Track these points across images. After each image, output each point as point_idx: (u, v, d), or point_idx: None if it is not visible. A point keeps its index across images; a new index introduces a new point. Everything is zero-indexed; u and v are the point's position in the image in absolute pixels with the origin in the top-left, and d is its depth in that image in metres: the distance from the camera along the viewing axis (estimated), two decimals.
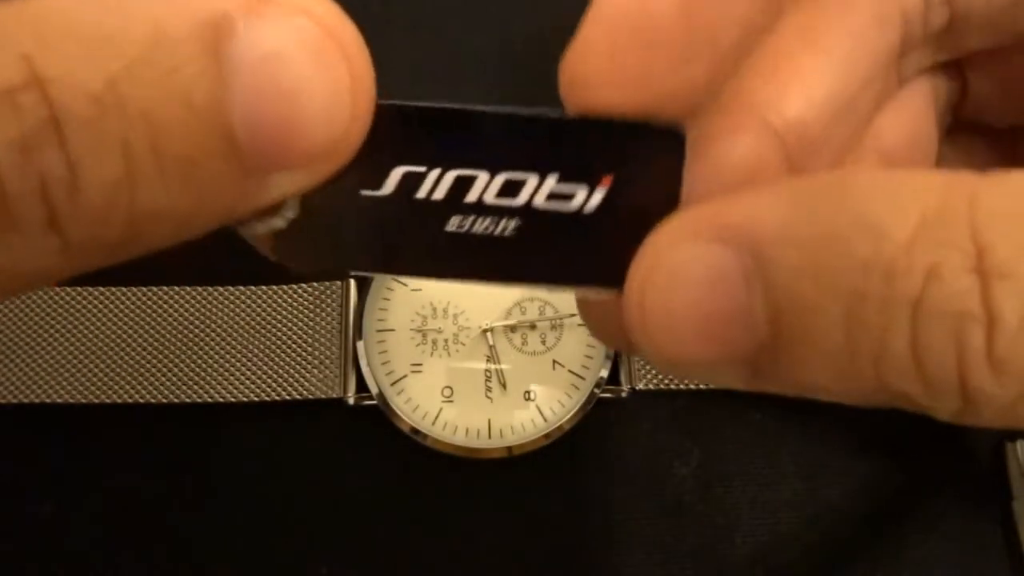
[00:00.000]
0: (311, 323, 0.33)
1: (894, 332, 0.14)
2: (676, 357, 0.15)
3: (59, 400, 0.31)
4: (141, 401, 0.32)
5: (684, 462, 0.32)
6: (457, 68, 0.35)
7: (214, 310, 0.33)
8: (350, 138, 0.15)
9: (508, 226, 0.16)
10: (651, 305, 0.15)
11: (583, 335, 0.33)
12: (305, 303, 0.33)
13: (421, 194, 0.16)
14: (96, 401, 0.31)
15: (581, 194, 0.16)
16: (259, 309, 0.33)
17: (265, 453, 0.32)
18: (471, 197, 0.16)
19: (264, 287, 0.33)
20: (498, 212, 0.16)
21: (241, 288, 0.33)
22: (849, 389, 0.15)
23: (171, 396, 0.32)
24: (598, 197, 0.16)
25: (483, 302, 0.33)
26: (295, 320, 0.33)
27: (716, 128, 0.18)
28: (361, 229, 0.16)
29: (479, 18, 0.36)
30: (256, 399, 0.32)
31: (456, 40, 0.36)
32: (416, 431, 0.31)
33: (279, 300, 0.33)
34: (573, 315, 0.33)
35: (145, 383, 0.32)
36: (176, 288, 0.33)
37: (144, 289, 0.33)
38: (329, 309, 0.33)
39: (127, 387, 0.32)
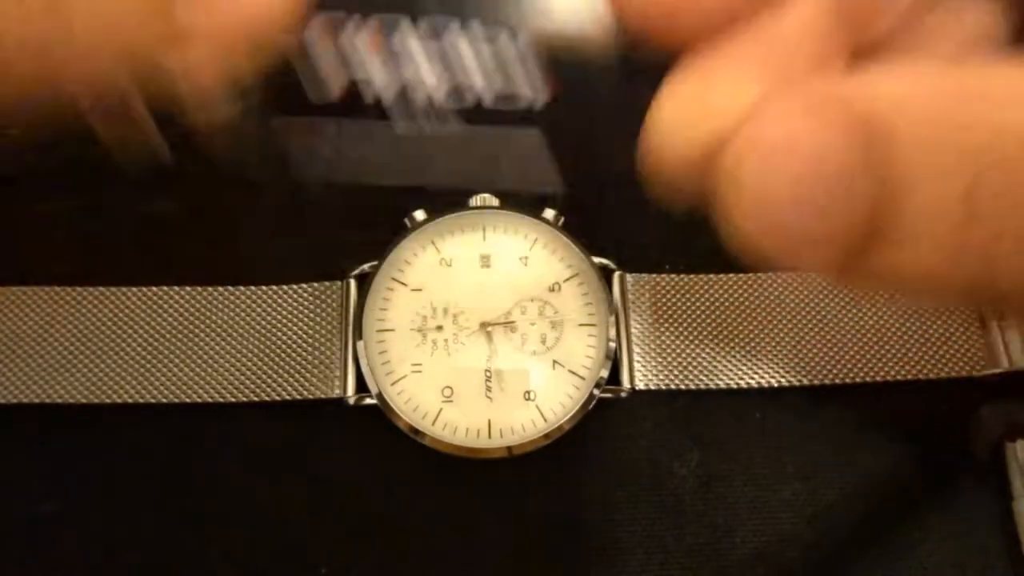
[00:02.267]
0: (311, 323, 0.33)
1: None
2: (770, 230, 0.15)
3: (59, 400, 0.31)
4: (141, 401, 0.32)
5: (684, 462, 0.32)
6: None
7: (214, 310, 0.33)
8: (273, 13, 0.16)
9: None
10: (748, 177, 0.15)
11: (583, 335, 0.33)
12: (305, 303, 0.33)
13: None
14: (96, 401, 0.31)
15: None
16: (259, 309, 0.33)
17: (265, 453, 0.32)
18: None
19: (264, 287, 0.33)
20: None
21: (241, 288, 0.33)
22: (952, 278, 0.14)
23: (171, 396, 0.32)
24: None
25: (483, 302, 0.33)
26: (295, 320, 0.33)
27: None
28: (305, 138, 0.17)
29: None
30: (256, 399, 0.32)
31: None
32: (416, 431, 0.31)
33: (279, 300, 0.33)
34: (573, 316, 0.33)
35: (145, 383, 0.32)
36: (176, 288, 0.33)
37: (144, 289, 0.33)
38: (329, 309, 0.33)
39: (127, 387, 0.32)
